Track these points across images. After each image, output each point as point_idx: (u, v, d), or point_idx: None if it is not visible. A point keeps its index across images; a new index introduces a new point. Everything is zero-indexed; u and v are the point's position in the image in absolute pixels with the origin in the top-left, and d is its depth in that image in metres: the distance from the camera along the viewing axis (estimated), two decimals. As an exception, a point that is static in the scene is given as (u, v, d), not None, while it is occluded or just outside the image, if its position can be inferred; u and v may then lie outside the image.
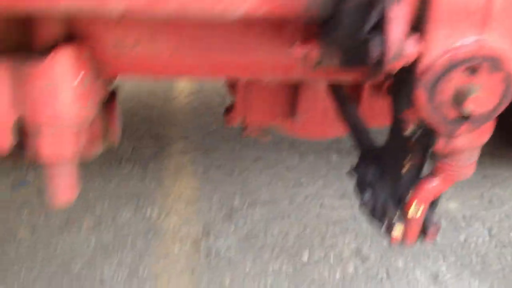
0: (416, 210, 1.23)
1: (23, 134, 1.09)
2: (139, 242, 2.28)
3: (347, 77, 1.24)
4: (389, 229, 1.28)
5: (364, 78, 1.24)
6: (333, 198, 2.71)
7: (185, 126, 3.63)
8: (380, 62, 0.88)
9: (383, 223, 1.30)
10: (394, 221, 1.27)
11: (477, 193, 2.74)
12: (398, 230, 1.27)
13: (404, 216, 1.26)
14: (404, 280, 2.09)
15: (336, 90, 1.64)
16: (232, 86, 1.87)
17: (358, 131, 1.48)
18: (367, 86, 1.72)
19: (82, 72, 1.06)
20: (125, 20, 1.06)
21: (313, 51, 0.96)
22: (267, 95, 1.82)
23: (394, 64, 0.89)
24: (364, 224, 2.47)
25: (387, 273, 2.13)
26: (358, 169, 1.37)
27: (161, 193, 2.69)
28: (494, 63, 0.95)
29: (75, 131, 1.10)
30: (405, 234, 1.27)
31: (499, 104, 1.00)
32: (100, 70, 1.15)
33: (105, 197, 2.63)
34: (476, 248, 2.29)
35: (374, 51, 0.87)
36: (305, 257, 2.24)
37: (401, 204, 1.26)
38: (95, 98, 1.17)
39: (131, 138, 3.33)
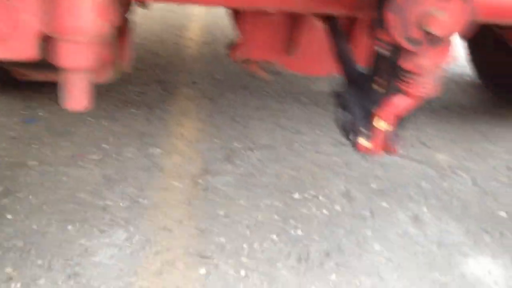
0: (382, 123, 1.37)
1: (46, 45, 1.22)
2: (141, 176, 2.43)
3: (340, 10, 1.34)
4: (356, 138, 1.43)
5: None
6: (329, 145, 2.84)
7: (193, 74, 3.75)
8: None
9: (351, 134, 1.45)
10: (361, 132, 1.42)
11: (467, 146, 2.85)
12: (364, 140, 1.42)
13: (371, 128, 1.40)
14: (386, 219, 2.23)
15: (331, 26, 1.75)
16: (236, 21, 1.99)
17: (346, 62, 1.60)
18: (358, 25, 1.83)
19: None
20: None
21: None
22: (267, 30, 1.95)
23: None
24: (355, 169, 2.60)
25: (371, 213, 2.27)
26: (338, 91, 1.52)
27: (165, 133, 2.84)
28: None
29: (93, 44, 1.23)
30: (371, 144, 1.42)
31: (461, 28, 1.11)
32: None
33: (111, 134, 2.77)
34: (457, 194, 2.42)
35: None
36: (296, 195, 2.38)
37: (370, 117, 1.40)
38: (113, 18, 1.29)
39: (138, 82, 3.46)
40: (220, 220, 2.16)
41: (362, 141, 1.42)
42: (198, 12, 5.38)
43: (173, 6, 5.15)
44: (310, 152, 2.76)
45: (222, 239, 2.05)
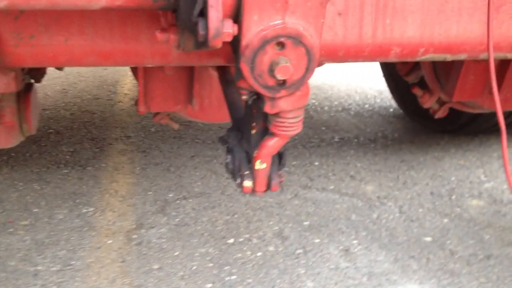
0: (260, 164, 1.46)
1: None
2: (73, 237, 2.41)
3: (216, 61, 1.44)
4: (242, 181, 1.53)
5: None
6: (262, 187, 2.90)
7: (127, 128, 3.76)
8: (205, 41, 1.08)
9: (237, 177, 1.55)
10: (245, 175, 1.51)
11: (394, 176, 2.97)
12: (248, 182, 1.51)
13: (253, 170, 1.50)
14: (319, 255, 2.29)
15: (221, 74, 1.85)
16: (134, 75, 2.08)
17: (233, 108, 1.69)
18: None
19: None
20: (22, 15, 1.22)
21: (171, 35, 1.16)
22: (165, 83, 2.03)
23: (215, 42, 1.08)
24: (288, 207, 2.66)
25: (304, 250, 2.32)
26: (224, 137, 1.62)
27: (98, 191, 2.82)
28: (296, 39, 1.17)
29: None
30: (254, 185, 1.51)
31: (306, 72, 1.22)
32: (1, 61, 1.30)
33: (42, 198, 2.74)
34: (386, 223, 2.51)
35: (200, 31, 1.07)
36: (230, 240, 2.41)
37: (251, 160, 1.49)
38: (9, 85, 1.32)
39: (71, 141, 3.45)
40: (154, 274, 2.16)
41: (246, 183, 1.52)
42: (131, 66, 5.43)
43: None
44: (244, 196, 2.80)
45: (156, 293, 2.04)
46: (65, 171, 3.05)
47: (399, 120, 3.82)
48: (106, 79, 4.91)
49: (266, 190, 1.55)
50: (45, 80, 4.30)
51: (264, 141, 1.46)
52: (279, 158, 1.56)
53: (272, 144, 1.46)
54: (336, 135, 3.58)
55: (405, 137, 3.55)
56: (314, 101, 4.28)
